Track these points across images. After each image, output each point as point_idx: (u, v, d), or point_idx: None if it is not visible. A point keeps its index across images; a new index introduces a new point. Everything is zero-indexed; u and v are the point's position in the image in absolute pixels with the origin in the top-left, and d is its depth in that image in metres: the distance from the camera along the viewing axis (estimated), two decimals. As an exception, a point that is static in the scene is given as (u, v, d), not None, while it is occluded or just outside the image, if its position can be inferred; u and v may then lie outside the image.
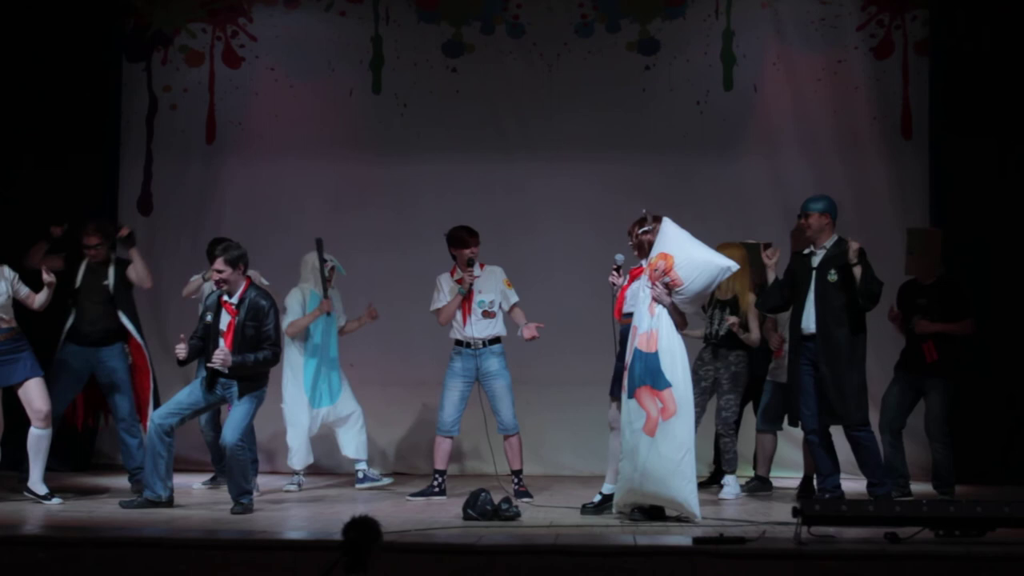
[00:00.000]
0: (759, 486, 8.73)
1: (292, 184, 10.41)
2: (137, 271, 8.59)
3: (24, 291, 8.01)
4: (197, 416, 7.99)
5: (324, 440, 9.32)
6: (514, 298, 8.50)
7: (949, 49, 9.85)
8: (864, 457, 7.78)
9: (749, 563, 5.82)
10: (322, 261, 8.76)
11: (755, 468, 8.99)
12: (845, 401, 7.62)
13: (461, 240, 8.39)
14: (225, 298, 7.66)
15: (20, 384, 7.91)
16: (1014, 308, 9.46)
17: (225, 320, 7.62)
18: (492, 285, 8.43)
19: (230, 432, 7.49)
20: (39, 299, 8.01)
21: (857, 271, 7.59)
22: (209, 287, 8.58)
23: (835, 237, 7.84)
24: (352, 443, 8.91)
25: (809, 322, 7.73)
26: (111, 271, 8.53)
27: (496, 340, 8.43)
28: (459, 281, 8.36)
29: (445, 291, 8.45)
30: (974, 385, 9.19)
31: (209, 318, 7.67)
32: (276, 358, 7.74)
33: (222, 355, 7.47)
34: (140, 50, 10.59)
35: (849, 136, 10.17)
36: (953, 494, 8.47)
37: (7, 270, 7.98)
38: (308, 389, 8.83)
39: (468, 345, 8.39)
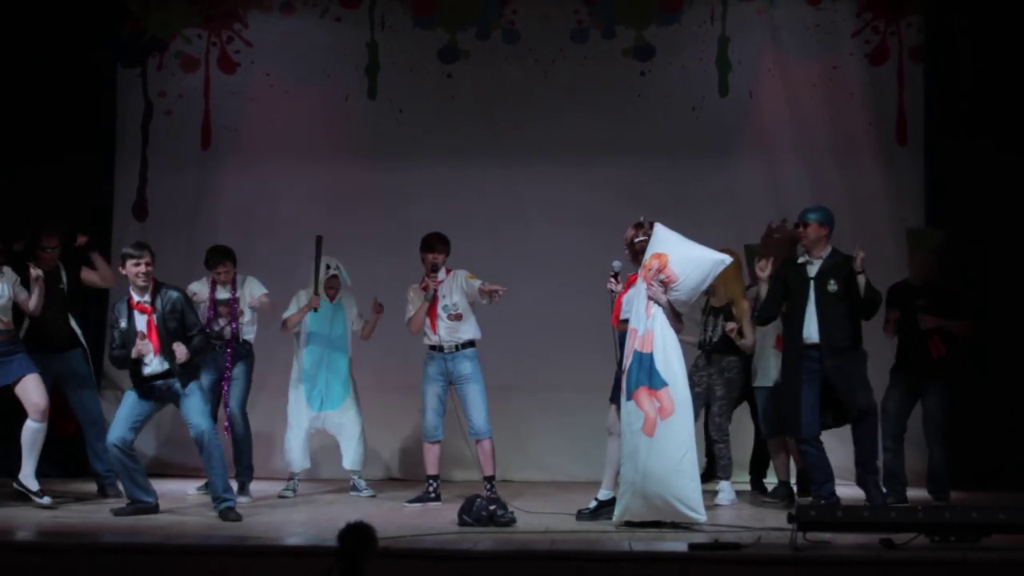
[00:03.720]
0: (788, 492, 8.65)
1: (288, 189, 10.40)
2: (101, 272, 8.74)
3: (23, 295, 8.06)
4: (148, 421, 7.91)
5: (321, 446, 9.31)
6: (477, 283, 8.37)
7: (944, 55, 9.88)
8: (865, 444, 7.87)
9: (745, 569, 5.82)
10: (318, 259, 8.76)
11: (759, 472, 9.01)
12: (855, 391, 7.73)
13: (428, 244, 8.44)
14: (136, 299, 7.57)
15: (15, 383, 7.95)
16: (1011, 313, 9.46)
17: (141, 320, 7.54)
18: (454, 287, 8.43)
19: (200, 419, 7.49)
20: (32, 302, 8.04)
21: (862, 279, 7.65)
22: (203, 292, 8.62)
23: (830, 248, 7.88)
24: (350, 454, 8.91)
25: (811, 332, 7.75)
26: (64, 274, 8.56)
27: (469, 344, 8.42)
28: (423, 288, 8.37)
29: (412, 300, 8.49)
30: (971, 390, 9.20)
31: (123, 324, 7.57)
32: (208, 341, 7.93)
33: (183, 351, 7.45)
34: (135, 55, 10.59)
35: (845, 142, 10.18)
36: (948, 499, 8.47)
37: (10, 272, 8.04)
38: (308, 391, 8.85)
39: (440, 349, 8.39)
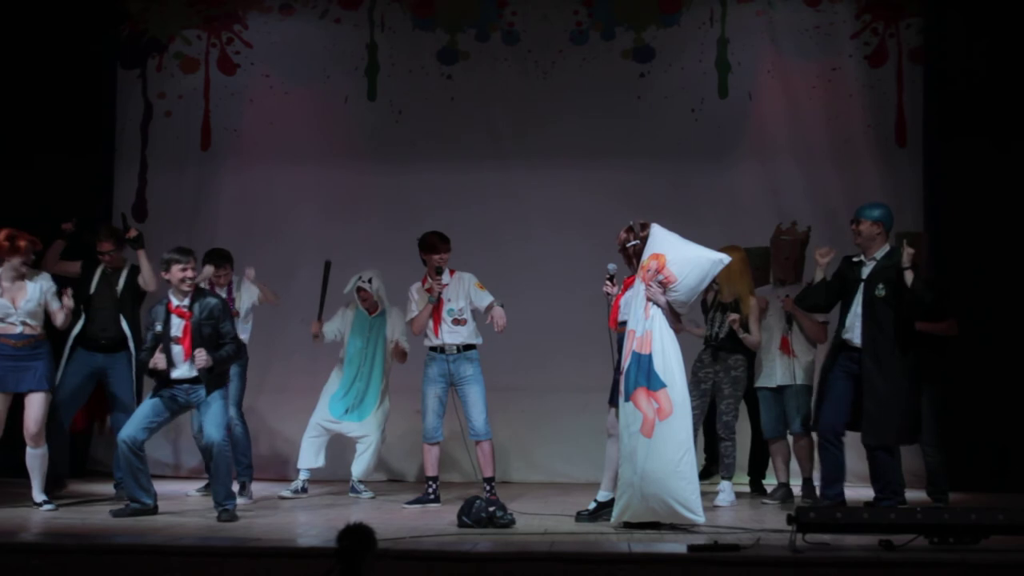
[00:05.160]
0: (787, 494, 8.69)
1: (287, 191, 10.42)
2: (143, 274, 8.60)
3: (55, 305, 7.99)
4: (164, 426, 7.91)
5: (327, 448, 9.26)
6: (487, 299, 8.40)
7: (943, 57, 9.88)
8: (876, 472, 7.79)
9: (744, 570, 5.81)
10: (325, 284, 8.93)
11: (758, 473, 9.01)
12: (884, 422, 7.63)
13: (431, 245, 8.39)
14: (174, 303, 7.61)
15: (27, 393, 7.90)
16: (1009, 315, 9.46)
17: (178, 325, 7.56)
18: (460, 292, 8.41)
19: (214, 429, 7.46)
20: (60, 318, 7.99)
21: (909, 275, 7.56)
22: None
23: (887, 248, 7.81)
24: (360, 464, 8.95)
25: (854, 334, 7.74)
26: (123, 277, 8.54)
27: (471, 347, 8.42)
28: (428, 290, 8.36)
29: (416, 301, 8.47)
30: (969, 391, 9.20)
31: (159, 328, 7.59)
32: (239, 351, 7.83)
33: (203, 357, 7.47)
34: (135, 57, 10.60)
35: (844, 143, 10.19)
36: (947, 501, 8.46)
37: (46, 280, 8.01)
38: (336, 397, 8.94)
39: (442, 350, 8.39)
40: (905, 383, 7.67)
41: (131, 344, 8.48)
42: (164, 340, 7.55)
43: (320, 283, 8.97)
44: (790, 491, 8.68)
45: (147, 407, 7.61)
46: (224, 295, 8.75)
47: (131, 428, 7.54)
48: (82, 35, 10.24)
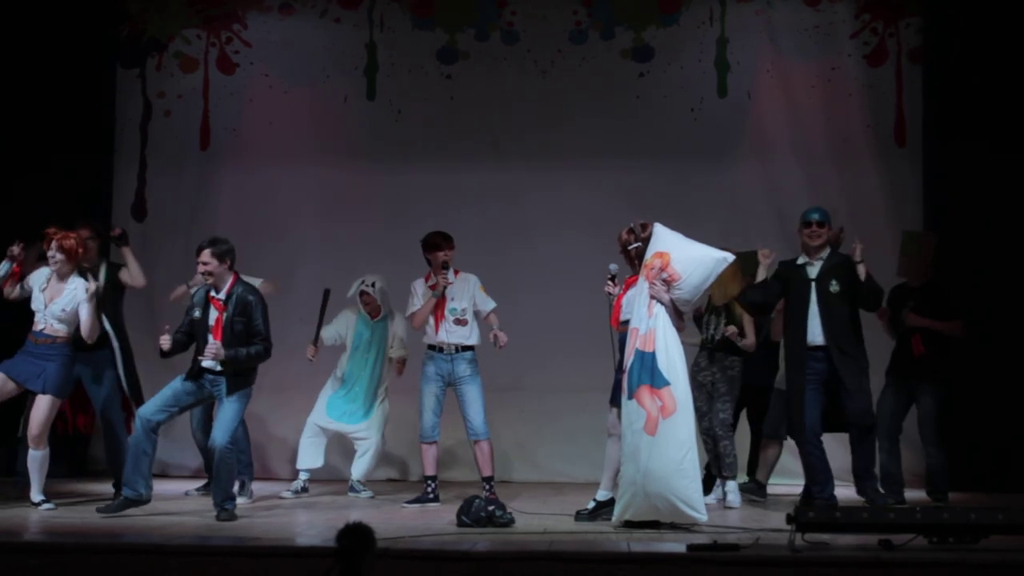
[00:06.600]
0: (755, 489, 8.73)
1: (286, 191, 10.42)
2: (130, 270, 8.50)
3: (83, 313, 7.79)
4: (184, 412, 7.89)
5: (327, 449, 9.26)
6: (490, 304, 8.44)
7: (943, 57, 9.88)
8: (861, 453, 8.03)
9: (743, 570, 5.81)
10: (323, 310, 8.91)
11: (755, 472, 9.02)
12: (863, 405, 7.92)
13: (435, 244, 8.40)
14: (213, 294, 7.57)
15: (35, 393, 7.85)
16: (1008, 315, 9.46)
17: (213, 316, 7.53)
18: (464, 293, 8.42)
19: (220, 433, 7.40)
20: (86, 328, 7.79)
21: (862, 269, 7.77)
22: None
23: (828, 248, 8.01)
24: (360, 466, 8.97)
25: (815, 334, 7.85)
26: (101, 274, 8.44)
27: (469, 347, 8.41)
28: (432, 286, 8.36)
29: (419, 296, 8.45)
30: (969, 391, 9.20)
31: (196, 314, 7.56)
32: (267, 352, 7.61)
33: (214, 348, 7.42)
34: (134, 56, 10.61)
35: (843, 143, 10.19)
36: (947, 500, 8.46)
37: (83, 284, 7.84)
38: (333, 399, 8.96)
39: (440, 349, 8.38)
40: (864, 371, 7.97)
41: (114, 342, 8.34)
42: (200, 328, 7.53)
43: (319, 308, 8.95)
44: (760, 487, 8.70)
45: (169, 391, 7.56)
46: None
47: (149, 407, 7.49)
48: (82, 35, 10.24)
